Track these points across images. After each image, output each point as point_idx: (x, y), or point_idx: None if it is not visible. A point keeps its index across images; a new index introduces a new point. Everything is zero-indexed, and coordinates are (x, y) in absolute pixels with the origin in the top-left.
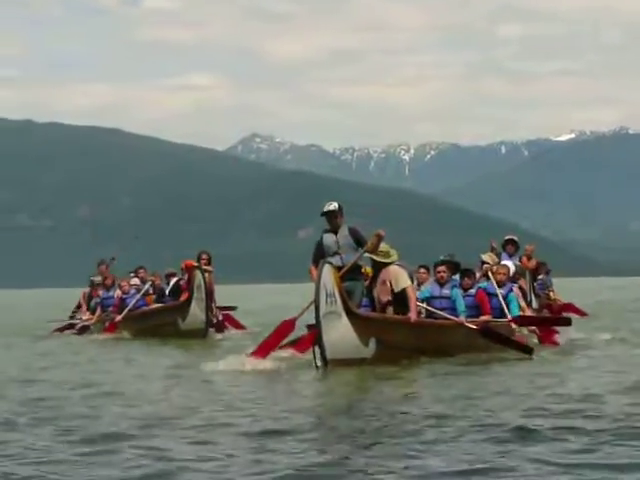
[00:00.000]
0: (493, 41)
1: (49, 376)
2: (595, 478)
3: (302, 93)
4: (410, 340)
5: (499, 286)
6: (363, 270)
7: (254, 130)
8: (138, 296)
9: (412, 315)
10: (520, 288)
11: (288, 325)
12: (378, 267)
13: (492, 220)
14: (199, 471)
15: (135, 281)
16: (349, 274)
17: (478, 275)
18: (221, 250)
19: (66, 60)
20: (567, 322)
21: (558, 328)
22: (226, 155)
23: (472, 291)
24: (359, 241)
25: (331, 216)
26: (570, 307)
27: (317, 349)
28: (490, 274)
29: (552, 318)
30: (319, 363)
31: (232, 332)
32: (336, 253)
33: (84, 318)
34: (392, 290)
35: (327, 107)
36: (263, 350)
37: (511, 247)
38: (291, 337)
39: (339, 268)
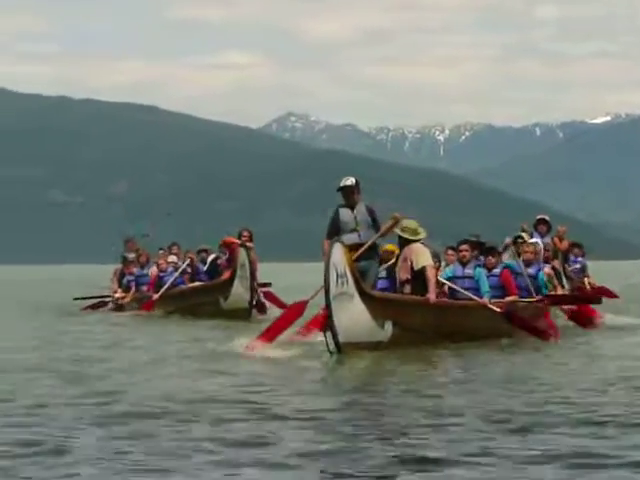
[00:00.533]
0: (529, 22)
1: (108, 355)
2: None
3: (337, 72)
4: (429, 322)
5: (527, 265)
6: (383, 250)
7: (289, 109)
8: (176, 274)
9: (431, 296)
10: (553, 268)
11: (298, 308)
12: (402, 245)
13: (526, 202)
14: (212, 453)
15: (173, 258)
16: (368, 251)
17: (505, 257)
18: (253, 228)
19: (101, 37)
20: (597, 301)
21: (599, 313)
22: (260, 133)
23: (496, 270)
24: (375, 222)
25: (348, 191)
26: (602, 290)
27: (329, 333)
28: (513, 251)
29: (582, 296)
30: (332, 348)
31: (275, 312)
32: (354, 230)
33: (116, 296)
34: (412, 268)
35: (362, 87)
36: (270, 334)
37: (543, 227)
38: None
39: (357, 246)
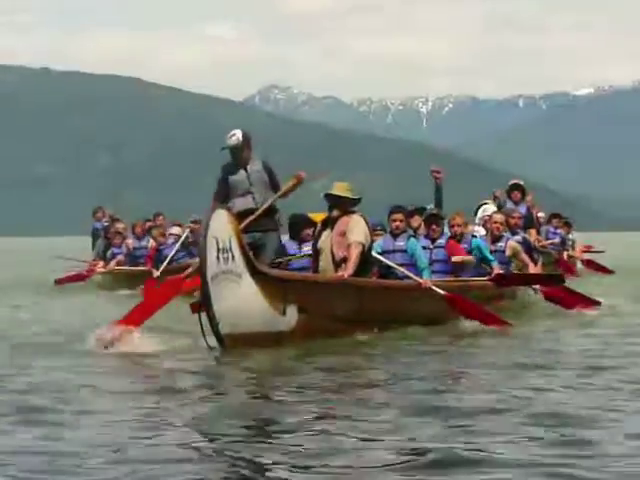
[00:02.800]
0: None
1: None
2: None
3: (320, 44)
4: (347, 307)
5: (496, 240)
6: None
7: (272, 81)
8: (177, 245)
9: (346, 271)
10: (524, 241)
11: (172, 285)
12: (337, 212)
13: (509, 174)
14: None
15: (175, 230)
16: (257, 222)
17: (474, 228)
18: None
19: (82, 7)
20: (557, 280)
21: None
22: (243, 106)
23: (441, 241)
24: (273, 182)
25: (234, 152)
26: (590, 264)
27: (205, 322)
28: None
29: (537, 276)
30: (210, 341)
31: None
32: (247, 192)
33: (99, 270)
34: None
35: (345, 59)
36: (135, 317)
37: (517, 194)
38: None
39: (252, 211)
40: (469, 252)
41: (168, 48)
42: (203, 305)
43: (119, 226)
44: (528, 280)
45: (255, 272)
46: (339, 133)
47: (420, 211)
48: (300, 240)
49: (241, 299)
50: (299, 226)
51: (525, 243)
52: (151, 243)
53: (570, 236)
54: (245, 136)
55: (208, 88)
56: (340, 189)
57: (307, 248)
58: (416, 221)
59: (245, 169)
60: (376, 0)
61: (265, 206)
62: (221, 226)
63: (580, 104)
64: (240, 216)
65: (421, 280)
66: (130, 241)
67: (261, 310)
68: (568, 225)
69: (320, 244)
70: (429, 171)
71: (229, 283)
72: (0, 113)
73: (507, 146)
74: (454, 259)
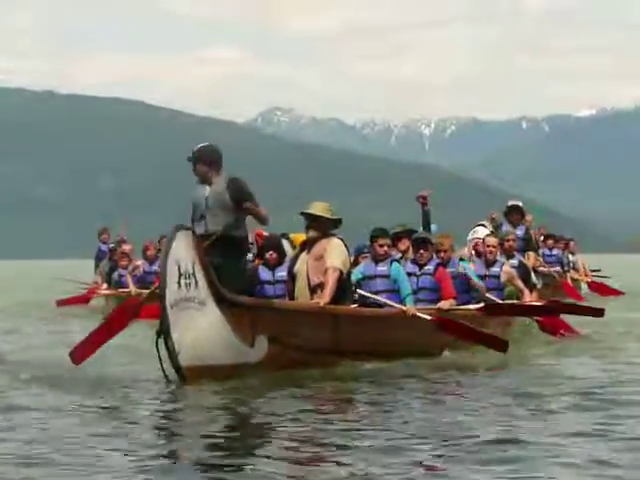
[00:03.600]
0: (516, 15)
1: None
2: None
3: (323, 67)
4: (323, 337)
5: (490, 264)
6: (251, 241)
7: (274, 104)
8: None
9: (322, 299)
10: (520, 264)
11: (126, 311)
12: (314, 233)
13: (512, 196)
14: None
15: None
16: (220, 245)
17: (465, 252)
18: None
19: (86, 32)
20: (552, 311)
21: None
22: (246, 128)
23: (429, 267)
24: (241, 199)
25: (194, 164)
26: (601, 287)
27: (164, 352)
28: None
29: (529, 306)
30: (169, 373)
31: None
32: (202, 216)
33: (103, 292)
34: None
35: (348, 81)
36: (86, 349)
37: (516, 216)
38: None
39: (204, 237)
40: (455, 277)
41: (170, 71)
42: (163, 334)
43: (126, 247)
44: (520, 310)
45: (221, 299)
46: (342, 155)
47: (409, 233)
48: (271, 264)
49: (204, 328)
50: (264, 249)
51: (521, 267)
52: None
53: (571, 257)
54: (203, 150)
55: (210, 110)
56: (318, 209)
57: (282, 274)
58: (404, 244)
59: (207, 189)
60: (378, 23)
61: (223, 228)
62: (184, 249)
63: (582, 126)
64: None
65: (404, 307)
66: (140, 263)
67: (226, 341)
68: (566, 245)
69: (296, 268)
70: (415, 197)
71: (191, 311)
72: (4, 136)
73: (510, 168)
74: (441, 305)
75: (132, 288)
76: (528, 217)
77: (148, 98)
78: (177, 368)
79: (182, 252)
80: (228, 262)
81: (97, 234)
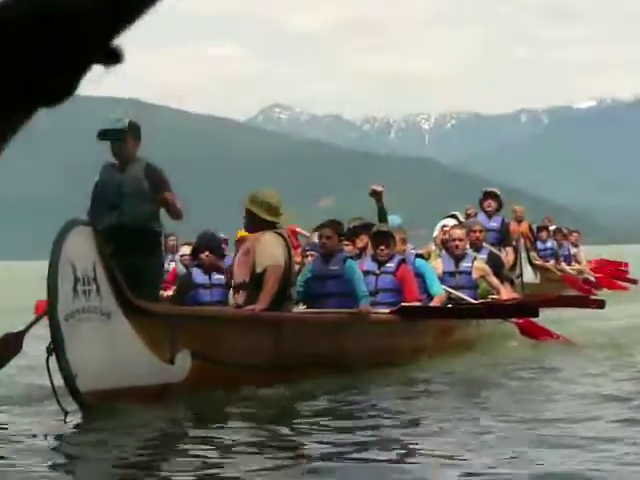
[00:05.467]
0: (513, 6)
1: None
2: None
3: (322, 63)
4: (260, 349)
5: (459, 259)
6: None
7: (274, 100)
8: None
9: (259, 304)
10: (490, 256)
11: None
12: (250, 226)
13: (512, 189)
14: None
15: (186, 250)
16: (136, 242)
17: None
18: (241, 221)
19: None
20: (524, 312)
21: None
22: (247, 125)
23: (391, 265)
24: (158, 192)
25: (115, 138)
26: (605, 281)
27: (58, 376)
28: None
29: (491, 305)
30: (65, 405)
31: None
32: (115, 205)
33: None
34: (254, 267)
35: (347, 77)
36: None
37: (491, 203)
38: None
39: (119, 230)
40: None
41: (168, 68)
42: (55, 354)
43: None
44: (467, 312)
45: (131, 308)
46: (343, 151)
47: (368, 228)
48: (206, 266)
49: (109, 345)
50: (197, 248)
51: (491, 260)
52: (171, 266)
53: (573, 250)
54: (133, 125)
55: (210, 108)
56: (253, 203)
57: (220, 276)
58: (362, 241)
59: (122, 171)
60: (377, 18)
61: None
62: (81, 248)
63: (582, 117)
64: (107, 236)
65: (355, 309)
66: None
67: (138, 358)
68: (565, 237)
69: (233, 268)
70: (369, 192)
71: (91, 324)
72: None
73: (510, 161)
74: (404, 305)
75: None
76: (518, 208)
77: (145, 96)
78: (74, 393)
79: (79, 252)
80: (147, 262)
81: None
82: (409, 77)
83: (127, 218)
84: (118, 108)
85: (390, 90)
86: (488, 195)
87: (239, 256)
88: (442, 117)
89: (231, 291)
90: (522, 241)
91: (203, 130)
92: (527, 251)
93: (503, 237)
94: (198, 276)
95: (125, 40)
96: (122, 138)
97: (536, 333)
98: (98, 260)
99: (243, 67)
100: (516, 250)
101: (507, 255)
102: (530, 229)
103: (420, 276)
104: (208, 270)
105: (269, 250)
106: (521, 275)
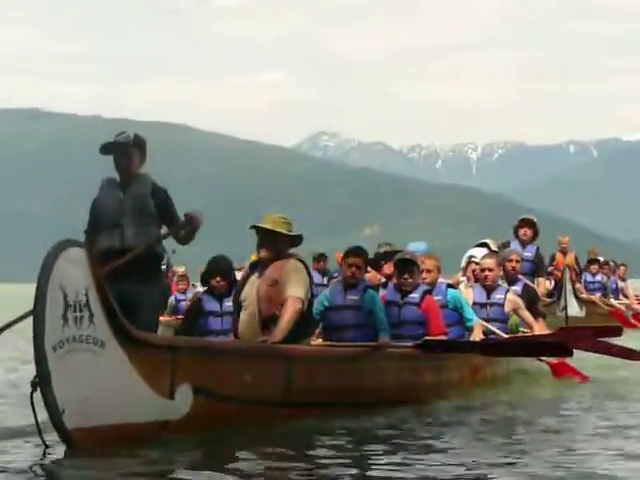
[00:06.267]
0: (561, 38)
1: None
2: None
3: (369, 91)
4: (270, 385)
5: (491, 291)
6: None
7: (321, 128)
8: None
9: (274, 336)
10: (525, 289)
11: None
12: (266, 253)
13: (560, 220)
14: None
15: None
16: (137, 266)
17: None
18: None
19: (135, 57)
20: (558, 351)
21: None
22: (293, 152)
23: (414, 296)
24: (164, 213)
25: (119, 152)
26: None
27: (43, 409)
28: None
29: (521, 342)
30: (48, 441)
31: None
32: (116, 225)
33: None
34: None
35: (394, 105)
36: None
37: (527, 231)
38: None
39: (120, 253)
40: (443, 306)
41: (218, 95)
42: (40, 386)
43: (179, 270)
44: (498, 349)
45: (128, 338)
46: (389, 179)
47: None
48: (217, 292)
49: (102, 377)
50: (208, 273)
51: (526, 293)
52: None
53: (620, 283)
54: (138, 139)
55: (256, 135)
56: (272, 222)
57: (231, 304)
58: (389, 268)
59: (123, 190)
60: (425, 47)
61: (144, 245)
62: (73, 272)
63: (632, 149)
64: (105, 259)
65: (380, 341)
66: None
67: (134, 392)
68: (613, 271)
69: (244, 295)
70: None
71: (83, 354)
72: (54, 158)
73: (558, 191)
74: (428, 339)
75: None
76: (564, 239)
77: (194, 122)
78: (61, 431)
79: (70, 275)
80: (147, 288)
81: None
82: (456, 106)
83: (128, 240)
84: (167, 132)
85: (437, 119)
86: (524, 223)
87: (264, 288)
88: (489, 147)
89: (256, 323)
90: (568, 273)
91: (248, 155)
92: (572, 283)
93: (537, 267)
94: (208, 303)
95: (176, 69)
96: (126, 152)
97: (568, 375)
98: (92, 285)
99: (291, 94)
100: (558, 281)
101: (539, 286)
102: (576, 261)
103: (452, 307)
104: (219, 297)
105: (296, 279)
106: (566, 308)
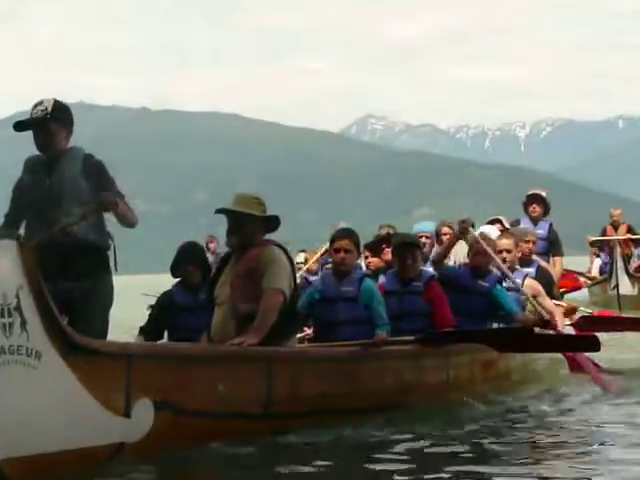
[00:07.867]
0: (606, 14)
1: None
2: None
3: (415, 73)
4: (247, 395)
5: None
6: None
7: (368, 111)
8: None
9: (250, 336)
10: (539, 272)
11: None
12: (239, 239)
13: (611, 196)
14: None
15: (301, 257)
16: (76, 260)
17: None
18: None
19: (181, 47)
20: (584, 346)
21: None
22: (341, 137)
23: (417, 284)
24: (102, 187)
25: (37, 129)
26: None
27: None
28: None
29: (547, 335)
30: None
31: None
32: (43, 213)
33: None
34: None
35: (441, 86)
36: None
37: (536, 207)
38: None
39: (57, 246)
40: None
41: (265, 83)
42: None
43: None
44: (516, 342)
45: (71, 347)
46: (437, 160)
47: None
48: (190, 285)
49: (39, 395)
50: (182, 263)
51: (541, 276)
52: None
53: None
54: (59, 106)
55: (305, 121)
56: (243, 203)
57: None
58: (389, 253)
59: (51, 168)
60: (471, 28)
61: (74, 221)
62: (2, 270)
63: None
64: (41, 252)
65: (377, 338)
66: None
67: (81, 412)
68: None
69: (216, 292)
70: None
71: (13, 369)
72: (101, 152)
73: (608, 168)
74: (431, 332)
75: None
76: (615, 211)
77: (243, 111)
78: None
79: None
80: (92, 287)
81: (204, 244)
82: (503, 85)
83: (65, 221)
84: (217, 122)
85: (484, 99)
86: (533, 198)
87: (237, 281)
88: (537, 125)
89: (231, 322)
90: (618, 249)
91: (297, 142)
92: (624, 260)
93: (552, 245)
94: (179, 296)
95: (223, 59)
96: (46, 128)
97: (587, 373)
98: (25, 284)
99: (337, 78)
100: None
101: (555, 266)
102: (631, 232)
103: (485, 297)
104: (193, 289)
105: (276, 269)
106: (617, 287)
